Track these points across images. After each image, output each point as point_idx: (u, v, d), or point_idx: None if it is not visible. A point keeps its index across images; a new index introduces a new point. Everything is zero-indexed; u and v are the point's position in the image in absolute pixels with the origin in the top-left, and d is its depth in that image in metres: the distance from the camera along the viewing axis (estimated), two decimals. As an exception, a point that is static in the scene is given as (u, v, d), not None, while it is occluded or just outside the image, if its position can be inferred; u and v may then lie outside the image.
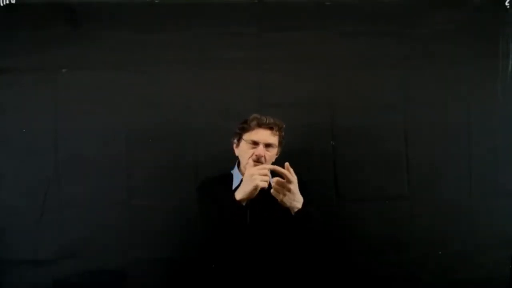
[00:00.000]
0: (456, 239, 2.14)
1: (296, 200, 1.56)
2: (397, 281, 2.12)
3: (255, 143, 1.68)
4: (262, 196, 1.65)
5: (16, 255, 2.07)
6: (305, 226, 1.60)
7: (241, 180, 1.71)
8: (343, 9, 2.15)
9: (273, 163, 1.73)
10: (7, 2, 2.07)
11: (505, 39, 2.17)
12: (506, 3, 2.16)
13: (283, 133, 1.74)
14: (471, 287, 2.13)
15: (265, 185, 1.53)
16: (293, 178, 1.54)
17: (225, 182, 1.76)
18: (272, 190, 1.55)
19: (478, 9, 2.17)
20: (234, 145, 1.77)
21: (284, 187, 1.53)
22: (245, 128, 1.71)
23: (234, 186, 1.74)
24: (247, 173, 1.57)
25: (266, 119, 1.70)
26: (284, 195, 1.54)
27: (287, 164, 1.53)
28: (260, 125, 1.69)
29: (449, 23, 2.16)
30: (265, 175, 1.54)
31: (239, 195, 1.56)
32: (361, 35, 2.15)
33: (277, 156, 1.75)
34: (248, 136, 1.70)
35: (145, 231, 2.08)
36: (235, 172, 1.78)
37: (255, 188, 1.53)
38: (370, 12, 2.15)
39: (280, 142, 1.74)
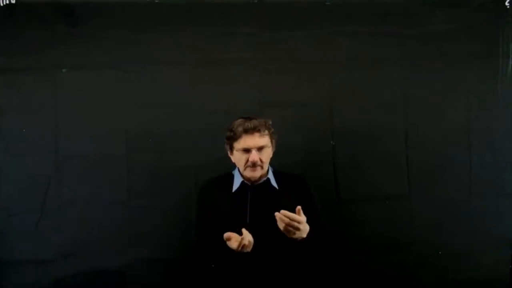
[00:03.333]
0: (456, 239, 2.14)
1: (302, 234, 1.55)
2: (397, 281, 2.12)
3: (247, 150, 1.66)
4: (263, 194, 1.65)
5: (16, 255, 2.07)
6: (312, 248, 1.61)
7: (241, 182, 1.73)
8: (343, 9, 2.14)
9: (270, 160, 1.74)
10: (7, 2, 2.07)
11: (505, 39, 2.17)
12: (506, 3, 2.15)
13: (272, 129, 1.71)
14: (471, 287, 2.13)
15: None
16: (302, 218, 1.52)
17: (226, 184, 1.76)
18: (282, 229, 1.53)
19: (478, 9, 2.16)
20: (228, 152, 1.75)
21: (293, 227, 1.51)
22: (232, 136, 1.68)
23: (234, 189, 1.74)
24: (232, 245, 1.53)
25: (250, 123, 1.65)
26: (294, 233, 1.53)
27: (298, 208, 1.52)
28: (246, 131, 1.65)
29: (449, 23, 2.16)
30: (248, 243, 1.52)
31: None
32: (361, 35, 2.15)
33: (273, 150, 1.74)
34: (238, 145, 1.67)
35: (145, 231, 2.08)
36: (236, 173, 1.77)
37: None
38: (370, 12, 2.15)
39: (272, 138, 1.72)
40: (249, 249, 1.53)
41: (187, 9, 2.12)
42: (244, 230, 1.52)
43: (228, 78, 2.12)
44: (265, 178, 1.74)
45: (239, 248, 1.50)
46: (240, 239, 1.50)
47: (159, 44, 2.11)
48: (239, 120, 1.69)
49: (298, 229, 1.51)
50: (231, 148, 1.72)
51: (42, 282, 2.06)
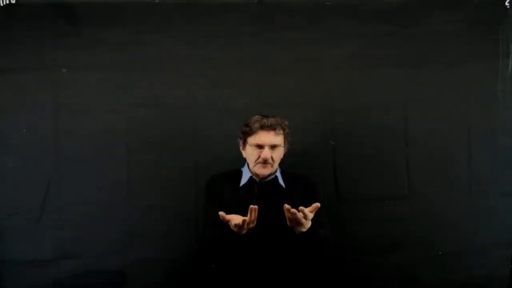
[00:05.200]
0: (456, 239, 2.14)
1: (303, 229, 1.56)
2: (397, 281, 2.12)
3: (260, 147, 1.69)
4: (270, 191, 1.65)
5: (16, 255, 2.07)
6: (308, 246, 1.62)
7: (250, 178, 1.75)
8: (343, 9, 2.14)
9: (281, 160, 1.75)
10: (7, 2, 2.07)
11: (505, 39, 2.16)
12: (506, 3, 2.15)
13: (287, 130, 1.74)
14: (471, 287, 2.13)
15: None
16: (310, 215, 1.53)
17: (234, 179, 1.78)
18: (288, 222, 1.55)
19: (478, 9, 2.16)
20: (241, 147, 1.78)
21: (299, 223, 1.53)
22: (248, 132, 1.71)
23: (242, 183, 1.76)
24: (233, 225, 1.52)
25: (268, 121, 1.69)
26: (298, 228, 1.55)
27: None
28: (262, 127, 1.68)
29: (449, 23, 2.16)
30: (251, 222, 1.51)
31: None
32: (361, 35, 2.15)
33: (285, 152, 1.76)
34: (252, 140, 1.70)
35: (145, 231, 2.08)
36: (245, 169, 1.79)
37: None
38: (370, 12, 2.15)
39: (286, 139, 1.74)
40: (252, 225, 1.52)
41: (187, 9, 2.12)
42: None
43: (228, 78, 2.12)
44: (273, 176, 1.76)
45: (243, 224, 1.49)
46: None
47: (159, 44, 2.11)
48: (257, 117, 1.72)
49: (301, 223, 1.52)
50: (245, 143, 1.74)
51: (42, 282, 2.06)
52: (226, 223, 1.52)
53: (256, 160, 1.70)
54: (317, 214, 1.65)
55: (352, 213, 2.12)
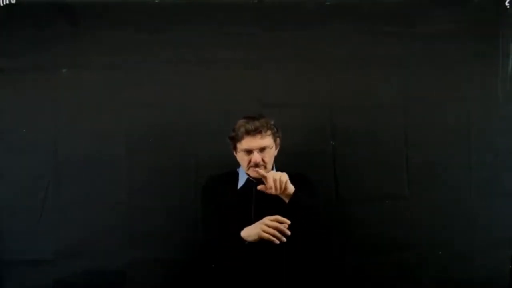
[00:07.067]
0: (456, 239, 2.14)
1: (288, 183, 1.59)
2: (397, 281, 2.12)
3: (249, 151, 1.68)
4: (268, 196, 1.66)
5: (16, 255, 2.07)
6: (297, 213, 1.61)
7: (247, 180, 1.74)
8: (343, 9, 2.14)
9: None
10: (7, 2, 2.07)
11: (505, 39, 2.16)
12: (506, 3, 2.15)
13: (275, 129, 1.73)
14: (471, 287, 2.13)
15: (268, 237, 1.54)
16: (271, 173, 1.58)
17: (231, 181, 1.77)
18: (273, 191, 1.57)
19: (478, 9, 2.16)
20: (234, 152, 1.77)
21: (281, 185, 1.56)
22: (235, 137, 1.70)
23: (239, 185, 1.76)
24: (261, 221, 1.56)
25: (252, 125, 1.66)
26: (283, 189, 1.57)
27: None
28: (248, 132, 1.66)
29: (449, 23, 2.16)
30: (274, 227, 1.53)
31: (244, 233, 1.57)
32: (361, 35, 2.15)
33: (277, 149, 1.76)
34: (240, 146, 1.69)
35: (145, 231, 2.08)
36: (241, 170, 1.79)
37: (258, 236, 1.54)
38: (370, 12, 2.15)
39: (275, 138, 1.73)
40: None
41: (187, 9, 2.12)
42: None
43: (228, 78, 2.12)
44: None
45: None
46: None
47: (159, 44, 2.11)
48: (242, 121, 1.70)
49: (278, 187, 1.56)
50: (235, 148, 1.74)
51: (42, 282, 2.06)
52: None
53: (248, 165, 1.70)
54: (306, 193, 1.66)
55: (352, 213, 2.12)
